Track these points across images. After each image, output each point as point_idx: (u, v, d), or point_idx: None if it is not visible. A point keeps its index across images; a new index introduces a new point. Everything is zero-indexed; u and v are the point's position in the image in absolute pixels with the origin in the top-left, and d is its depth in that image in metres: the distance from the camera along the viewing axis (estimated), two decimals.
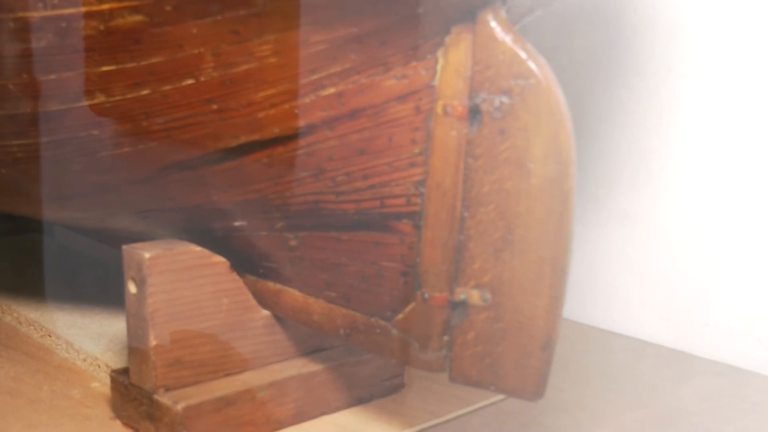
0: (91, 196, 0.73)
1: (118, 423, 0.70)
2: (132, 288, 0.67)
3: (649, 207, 0.98)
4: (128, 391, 0.69)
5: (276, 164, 0.63)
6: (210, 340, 0.69)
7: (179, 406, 0.65)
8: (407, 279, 0.61)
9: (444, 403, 0.75)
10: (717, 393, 0.83)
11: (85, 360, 0.81)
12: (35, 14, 0.61)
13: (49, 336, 0.86)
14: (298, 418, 0.71)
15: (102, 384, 0.77)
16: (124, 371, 0.70)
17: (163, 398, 0.66)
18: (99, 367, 0.78)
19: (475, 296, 0.59)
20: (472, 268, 0.59)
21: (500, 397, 0.76)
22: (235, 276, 0.70)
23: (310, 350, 0.74)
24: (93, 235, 0.95)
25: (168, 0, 0.57)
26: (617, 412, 0.77)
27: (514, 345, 0.59)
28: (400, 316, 0.62)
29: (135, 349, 0.68)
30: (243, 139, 0.63)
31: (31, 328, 0.88)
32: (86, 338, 0.84)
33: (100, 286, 1.02)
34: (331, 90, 0.60)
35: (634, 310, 1.00)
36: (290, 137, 0.62)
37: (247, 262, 0.70)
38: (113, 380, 0.71)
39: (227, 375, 0.70)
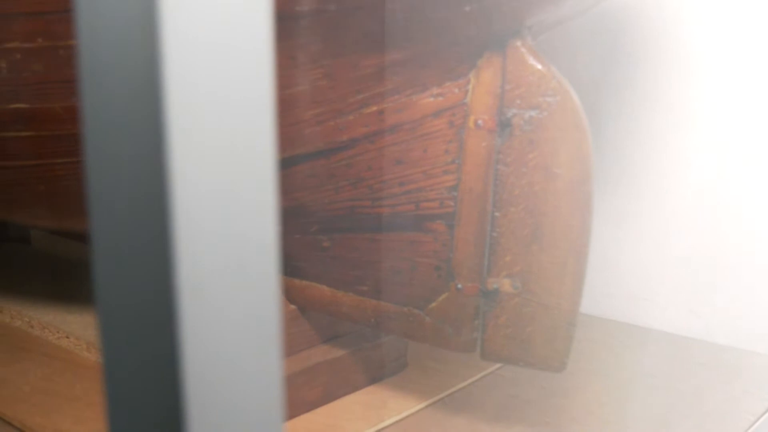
0: None
1: None
2: None
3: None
4: None
5: (317, 175, 0.66)
6: None
7: None
8: (440, 272, 0.65)
9: (445, 379, 0.80)
10: (664, 357, 0.90)
11: None
12: None
13: (67, 338, 0.85)
14: (326, 398, 0.74)
15: None
16: None
17: None
18: None
19: (506, 285, 0.64)
20: (504, 260, 0.63)
21: (492, 369, 0.82)
22: None
23: (329, 337, 0.78)
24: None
25: None
26: (586, 379, 0.83)
27: (541, 325, 0.64)
28: (433, 304, 0.66)
29: None
30: (288, 152, 0.65)
31: (46, 330, 0.88)
32: None
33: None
34: (374, 108, 0.63)
35: None
36: (333, 150, 0.65)
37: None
38: None
39: None
